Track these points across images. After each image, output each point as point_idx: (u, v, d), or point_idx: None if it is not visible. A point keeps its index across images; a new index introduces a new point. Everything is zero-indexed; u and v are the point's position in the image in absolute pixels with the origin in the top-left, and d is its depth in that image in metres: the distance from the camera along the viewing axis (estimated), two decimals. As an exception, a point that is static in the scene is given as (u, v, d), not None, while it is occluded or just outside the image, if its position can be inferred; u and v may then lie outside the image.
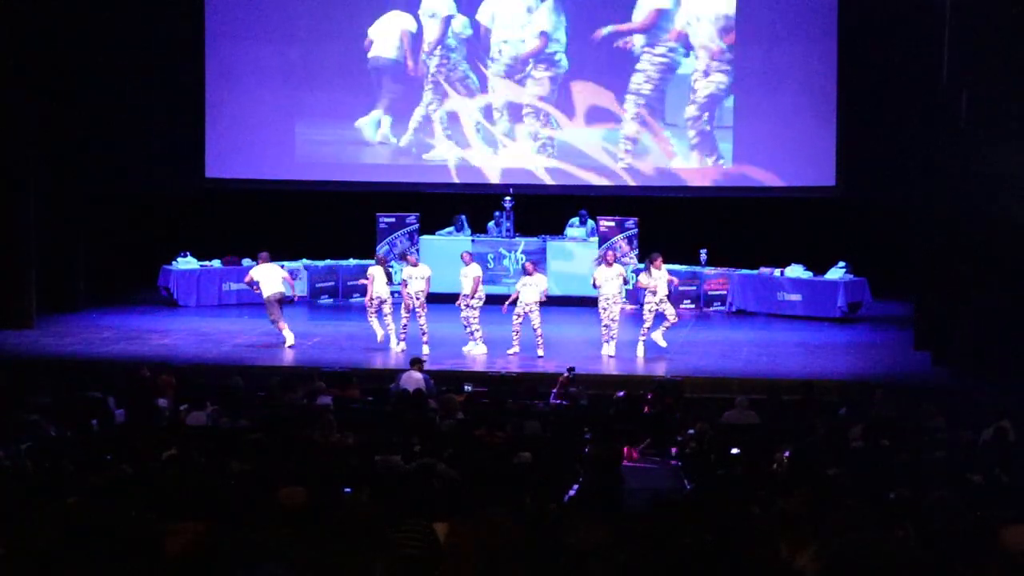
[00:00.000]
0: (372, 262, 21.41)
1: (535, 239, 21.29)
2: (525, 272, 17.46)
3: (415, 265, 17.60)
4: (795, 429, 12.42)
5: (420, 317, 17.36)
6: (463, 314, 17.27)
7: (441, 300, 18.18)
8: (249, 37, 22.26)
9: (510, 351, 17.17)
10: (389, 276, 17.80)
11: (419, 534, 7.19)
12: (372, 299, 17.61)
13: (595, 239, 21.27)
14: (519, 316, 17.18)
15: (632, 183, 22.00)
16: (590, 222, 21.55)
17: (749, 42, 21.42)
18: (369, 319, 17.75)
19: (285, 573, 6.41)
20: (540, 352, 17.03)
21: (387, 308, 17.58)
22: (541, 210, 21.64)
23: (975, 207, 16.13)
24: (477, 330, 17.29)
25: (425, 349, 17.19)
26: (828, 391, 14.90)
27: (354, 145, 22.49)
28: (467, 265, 17.41)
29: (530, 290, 17.13)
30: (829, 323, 19.71)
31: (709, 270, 21.15)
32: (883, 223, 20.26)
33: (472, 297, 17.23)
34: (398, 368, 15.82)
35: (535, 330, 17.06)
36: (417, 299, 17.35)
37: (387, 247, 21.53)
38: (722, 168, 21.76)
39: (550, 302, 18.56)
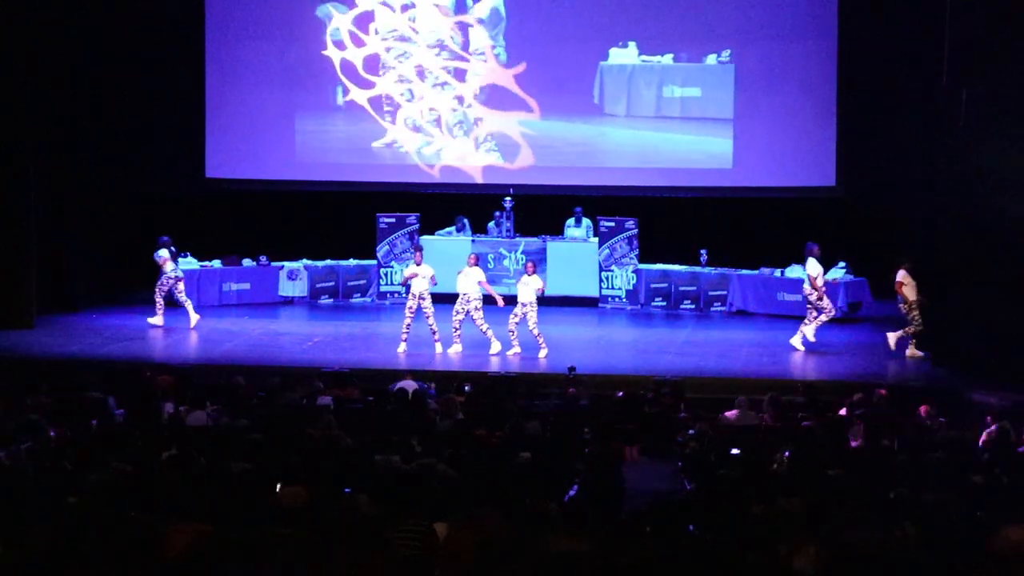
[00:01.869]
0: (373, 262, 21.59)
1: (535, 239, 21.29)
2: (526, 271, 17.52)
3: (420, 264, 17.61)
4: (795, 429, 12.41)
5: (429, 317, 17.37)
6: (475, 316, 17.22)
7: (442, 300, 18.15)
8: (249, 37, 22.26)
9: (510, 352, 17.17)
10: (174, 256, 18.88)
11: (419, 534, 7.19)
12: (167, 279, 18.79)
13: (595, 239, 21.27)
14: (516, 316, 17.19)
15: (631, 183, 21.97)
16: (586, 220, 21.51)
17: (749, 42, 21.40)
18: (158, 298, 18.86)
19: (285, 573, 6.41)
20: (543, 352, 17.04)
21: (182, 286, 18.93)
22: (540, 210, 21.63)
23: (975, 207, 16.12)
24: (458, 330, 17.38)
25: (438, 348, 17.27)
26: (828, 391, 14.88)
27: (358, 144, 22.48)
28: (471, 267, 17.40)
29: (527, 289, 17.16)
30: (829, 323, 19.68)
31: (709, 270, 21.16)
32: (883, 223, 20.24)
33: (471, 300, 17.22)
34: (398, 369, 15.82)
35: (531, 330, 17.07)
36: (422, 299, 17.36)
37: (386, 247, 21.55)
38: (722, 168, 21.74)
39: (551, 302, 18.56)
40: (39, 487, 8.56)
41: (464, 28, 22.13)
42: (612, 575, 6.25)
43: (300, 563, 6.50)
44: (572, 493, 9.81)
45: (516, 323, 17.20)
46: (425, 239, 21.36)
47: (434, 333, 17.37)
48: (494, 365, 16.60)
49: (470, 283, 17.25)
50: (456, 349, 17.37)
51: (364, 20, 22.31)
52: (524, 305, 17.16)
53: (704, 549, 6.72)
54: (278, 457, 9.92)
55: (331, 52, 22.32)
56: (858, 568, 6.39)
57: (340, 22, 22.30)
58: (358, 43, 22.32)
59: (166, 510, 7.52)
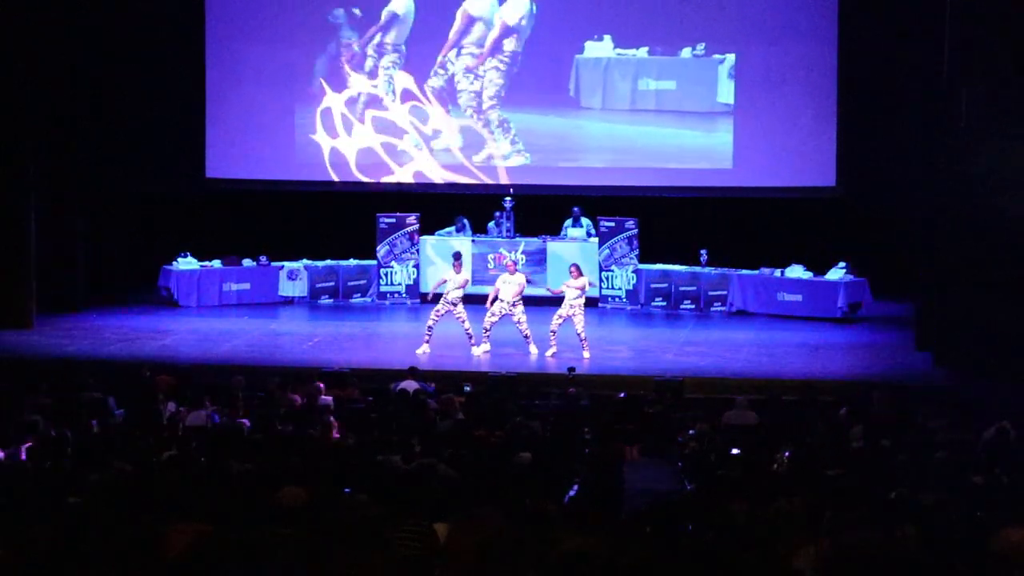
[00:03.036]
0: (373, 262, 21.57)
1: (535, 239, 21.27)
2: (571, 275, 17.35)
3: (459, 272, 17.61)
4: (795, 429, 12.42)
5: (464, 322, 17.25)
6: (518, 319, 17.14)
7: (472, 300, 18.08)
8: (249, 37, 22.25)
9: (548, 352, 17.13)
10: None
11: (419, 534, 7.19)
12: None
13: (595, 239, 21.25)
14: (560, 317, 17.14)
15: (631, 183, 21.96)
16: (585, 220, 21.48)
17: (749, 42, 21.40)
18: None
19: (285, 573, 6.41)
20: (586, 354, 16.97)
21: None
22: (538, 210, 21.61)
23: (975, 207, 16.12)
24: (493, 325, 17.29)
25: (474, 350, 17.21)
26: (828, 391, 14.88)
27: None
28: (512, 275, 17.33)
29: (569, 291, 17.11)
30: (829, 323, 19.70)
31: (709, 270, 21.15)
32: (883, 223, 20.24)
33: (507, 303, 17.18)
34: (398, 369, 15.80)
35: (578, 332, 17.01)
36: (453, 304, 17.26)
37: (387, 247, 21.53)
38: (722, 168, 21.74)
39: (551, 302, 18.54)
40: (39, 487, 8.56)
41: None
42: (612, 575, 6.25)
43: (300, 563, 6.50)
44: (572, 493, 9.82)
45: (559, 324, 17.15)
46: (426, 239, 21.40)
47: (470, 337, 17.30)
48: (492, 365, 16.59)
49: (511, 290, 17.16)
50: (485, 349, 17.29)
51: (357, 105, 22.16)
52: (572, 307, 17.10)
53: (704, 549, 6.72)
54: (278, 457, 9.93)
55: (320, 137, 22.22)
56: (858, 568, 6.39)
57: (332, 102, 22.15)
58: (350, 131, 22.18)
59: (166, 510, 7.52)
